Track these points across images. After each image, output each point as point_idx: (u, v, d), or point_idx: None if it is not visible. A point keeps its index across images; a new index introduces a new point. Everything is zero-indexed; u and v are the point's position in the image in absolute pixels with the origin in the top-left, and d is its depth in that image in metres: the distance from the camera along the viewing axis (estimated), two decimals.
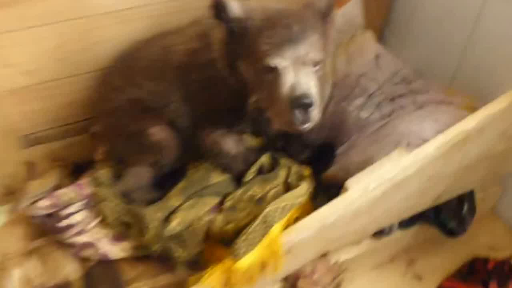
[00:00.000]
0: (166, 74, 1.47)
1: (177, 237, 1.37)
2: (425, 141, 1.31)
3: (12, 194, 1.73)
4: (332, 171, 1.50)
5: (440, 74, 1.85)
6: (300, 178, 1.45)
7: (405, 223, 1.58)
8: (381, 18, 2.05)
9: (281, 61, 1.21)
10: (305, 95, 1.19)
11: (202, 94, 1.43)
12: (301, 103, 1.19)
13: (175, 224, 1.38)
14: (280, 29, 1.22)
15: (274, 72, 1.22)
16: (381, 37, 2.04)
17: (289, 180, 1.45)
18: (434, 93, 1.64)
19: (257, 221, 1.29)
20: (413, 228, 1.60)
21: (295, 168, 1.49)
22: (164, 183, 1.54)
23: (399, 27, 2.06)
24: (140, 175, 1.52)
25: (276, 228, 1.31)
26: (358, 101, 1.65)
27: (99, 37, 1.61)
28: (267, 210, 1.31)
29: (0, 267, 1.45)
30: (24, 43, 1.52)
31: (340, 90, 1.67)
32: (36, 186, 1.67)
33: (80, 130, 1.79)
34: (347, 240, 1.51)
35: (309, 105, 1.20)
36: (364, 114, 1.63)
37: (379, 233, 1.54)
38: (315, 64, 1.25)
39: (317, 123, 1.27)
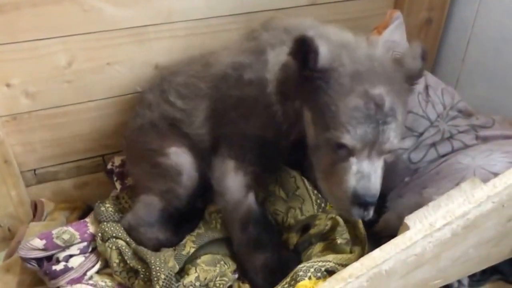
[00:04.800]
0: (200, 90, 1.33)
1: None
2: (496, 175, 1.12)
3: (13, 238, 1.56)
4: (383, 219, 1.36)
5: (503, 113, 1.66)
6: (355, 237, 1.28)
7: (476, 279, 1.37)
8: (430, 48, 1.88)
9: (358, 144, 1.04)
10: (370, 195, 1.06)
11: (233, 112, 1.26)
12: (363, 201, 1.06)
13: (193, 279, 1.21)
14: (370, 102, 1.04)
15: (343, 150, 1.06)
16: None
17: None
18: (500, 127, 1.51)
19: (287, 279, 1.12)
20: (486, 286, 1.38)
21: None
22: (179, 225, 1.38)
23: (451, 60, 1.89)
24: (150, 206, 1.35)
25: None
26: (407, 143, 1.51)
27: (112, 57, 1.47)
28: (299, 266, 1.12)
29: None
30: (26, 58, 1.38)
31: None
32: (39, 229, 1.49)
33: (94, 168, 1.65)
34: None
35: (372, 204, 1.08)
36: (415, 156, 1.50)
37: None
38: (390, 152, 1.10)
39: None
